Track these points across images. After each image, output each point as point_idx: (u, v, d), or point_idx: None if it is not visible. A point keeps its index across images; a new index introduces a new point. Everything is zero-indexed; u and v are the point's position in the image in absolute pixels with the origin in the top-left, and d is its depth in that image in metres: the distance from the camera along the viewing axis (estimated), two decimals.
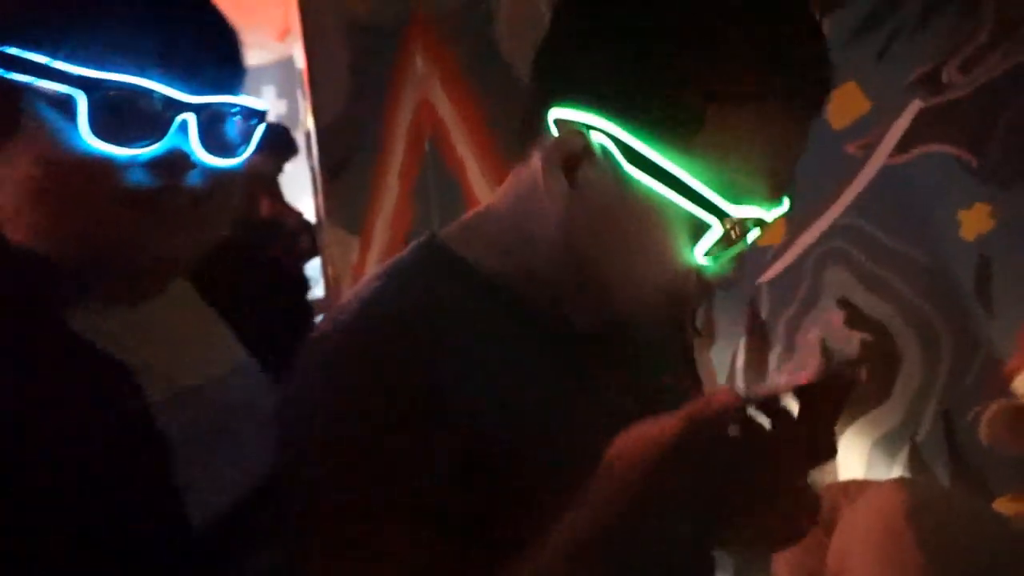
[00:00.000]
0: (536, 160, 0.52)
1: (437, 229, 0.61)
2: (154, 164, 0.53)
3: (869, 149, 1.63)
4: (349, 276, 1.96)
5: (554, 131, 0.50)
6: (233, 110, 0.57)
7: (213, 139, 0.54)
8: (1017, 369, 1.52)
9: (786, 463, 0.45)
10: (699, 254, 0.49)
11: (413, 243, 0.59)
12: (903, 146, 1.61)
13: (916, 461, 1.60)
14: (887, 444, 1.63)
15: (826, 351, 1.69)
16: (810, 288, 1.72)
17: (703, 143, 0.46)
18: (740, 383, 1.74)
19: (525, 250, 0.54)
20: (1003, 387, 1.51)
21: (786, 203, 0.52)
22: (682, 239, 0.48)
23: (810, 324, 1.70)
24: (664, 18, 0.47)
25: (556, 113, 0.49)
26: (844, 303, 1.69)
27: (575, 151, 0.49)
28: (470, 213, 0.60)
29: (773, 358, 1.74)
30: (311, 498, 0.48)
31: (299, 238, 3.28)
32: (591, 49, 0.48)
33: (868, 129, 1.62)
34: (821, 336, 1.70)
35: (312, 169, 2.07)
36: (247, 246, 0.73)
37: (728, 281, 0.51)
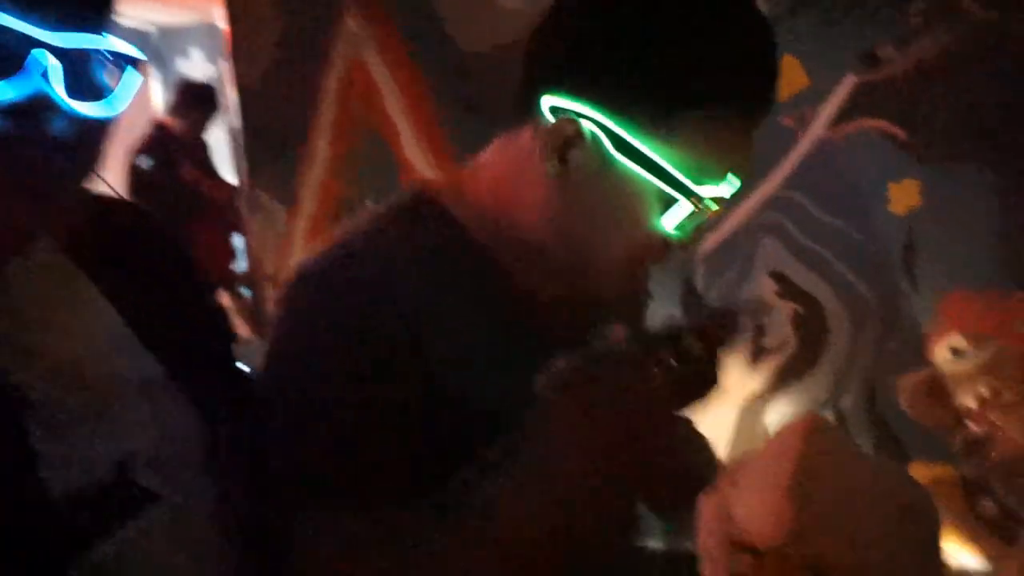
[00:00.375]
0: (527, 138, 0.59)
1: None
2: (9, 109, 0.46)
3: (805, 123, 1.65)
4: (276, 245, 1.88)
5: (548, 116, 0.57)
6: (100, 52, 0.50)
7: (77, 82, 0.48)
8: (936, 340, 1.57)
9: (684, 398, 0.55)
10: (669, 225, 0.58)
11: (407, 190, 0.65)
12: (839, 120, 1.63)
13: (842, 428, 1.65)
14: (815, 412, 1.68)
15: (757, 321, 1.72)
16: (745, 261, 1.74)
17: (678, 135, 0.56)
18: None
19: (512, 216, 0.61)
20: (923, 357, 1.57)
21: (738, 181, 0.60)
22: (655, 212, 0.57)
23: (744, 296, 1.72)
24: (651, 33, 0.56)
25: (553, 101, 0.57)
26: (777, 276, 1.71)
27: (568, 135, 0.57)
28: (457, 173, 0.66)
29: None
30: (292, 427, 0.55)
31: (224, 210, 3.14)
32: (589, 50, 0.57)
33: (806, 103, 1.64)
34: (754, 308, 1.73)
35: (234, 133, 1.96)
36: (131, 212, 0.67)
37: (689, 246, 0.61)
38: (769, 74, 0.59)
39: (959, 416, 1.48)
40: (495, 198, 0.62)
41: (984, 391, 1.44)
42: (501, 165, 0.62)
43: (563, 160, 0.57)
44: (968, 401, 1.45)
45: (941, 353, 1.54)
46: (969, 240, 1.60)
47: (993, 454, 1.39)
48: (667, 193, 0.57)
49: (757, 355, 1.70)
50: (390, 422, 0.54)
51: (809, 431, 0.62)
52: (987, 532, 1.41)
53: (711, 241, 1.76)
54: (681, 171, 0.56)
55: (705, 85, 0.55)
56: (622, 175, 0.56)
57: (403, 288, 0.57)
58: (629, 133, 0.55)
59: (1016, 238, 1.58)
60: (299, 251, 1.83)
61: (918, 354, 1.59)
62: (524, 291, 0.62)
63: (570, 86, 0.56)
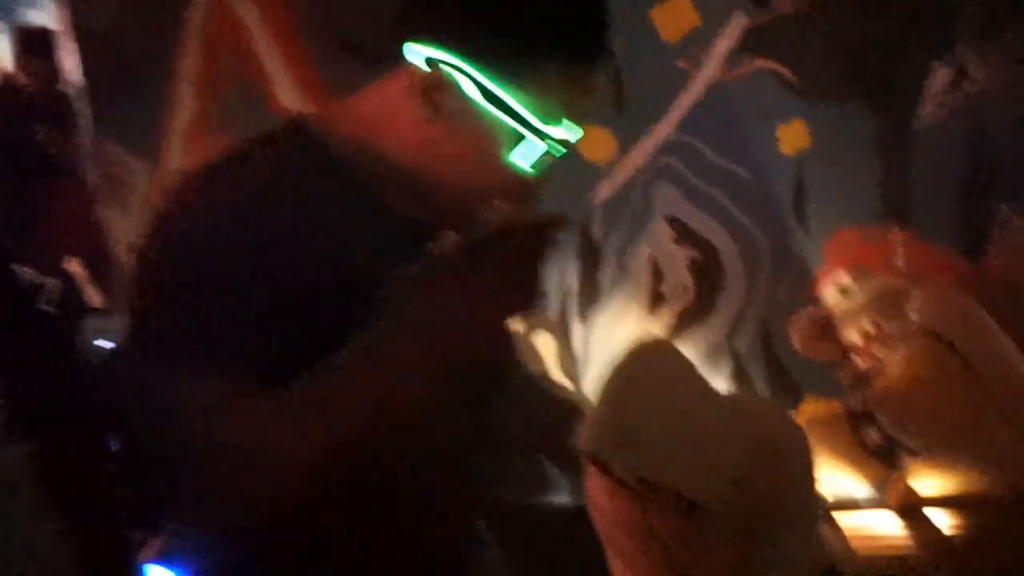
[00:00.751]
0: (400, 82, 0.67)
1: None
2: None
3: (698, 64, 1.62)
4: (135, 210, 1.69)
5: (420, 63, 0.65)
6: None
7: None
8: (823, 278, 1.61)
9: (506, 303, 0.62)
10: (520, 161, 0.66)
11: (284, 120, 0.71)
12: (730, 61, 1.61)
13: (740, 373, 1.68)
14: (712, 358, 1.70)
15: (656, 271, 1.71)
16: (642, 207, 1.72)
17: (525, 82, 0.64)
18: (573, 306, 1.73)
19: (383, 148, 0.68)
20: (812, 296, 1.60)
21: (579, 129, 0.68)
22: (508, 150, 0.65)
23: (641, 243, 1.71)
24: None
25: (422, 50, 0.65)
26: (673, 221, 1.71)
27: (436, 82, 0.64)
28: (327, 107, 0.73)
29: (606, 279, 1.73)
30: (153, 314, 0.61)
31: (86, 175, 2.82)
32: (452, 7, 0.65)
33: (698, 43, 1.61)
34: (652, 255, 1.72)
35: (75, 84, 1.74)
36: None
37: (537, 183, 0.68)
38: (597, 31, 0.67)
39: (846, 352, 1.52)
40: (367, 132, 0.68)
41: (868, 326, 1.49)
42: (375, 104, 0.69)
43: (432, 103, 0.65)
44: (854, 337, 1.50)
45: (828, 291, 1.57)
46: (855, 179, 1.65)
47: (876, 386, 1.44)
48: (520, 133, 0.65)
49: (655, 302, 1.70)
50: (262, 310, 0.60)
51: (647, 349, 0.63)
52: (873, 460, 1.47)
53: (607, 189, 1.73)
54: (531, 113, 0.64)
55: (541, 40, 0.64)
56: (481, 117, 0.64)
57: (274, 198, 0.63)
58: (487, 80, 0.64)
59: (894, 175, 1.63)
60: None
61: (807, 294, 1.63)
62: (392, 209, 0.69)
63: (437, 38, 0.64)
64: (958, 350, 1.33)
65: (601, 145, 1.66)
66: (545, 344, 1.68)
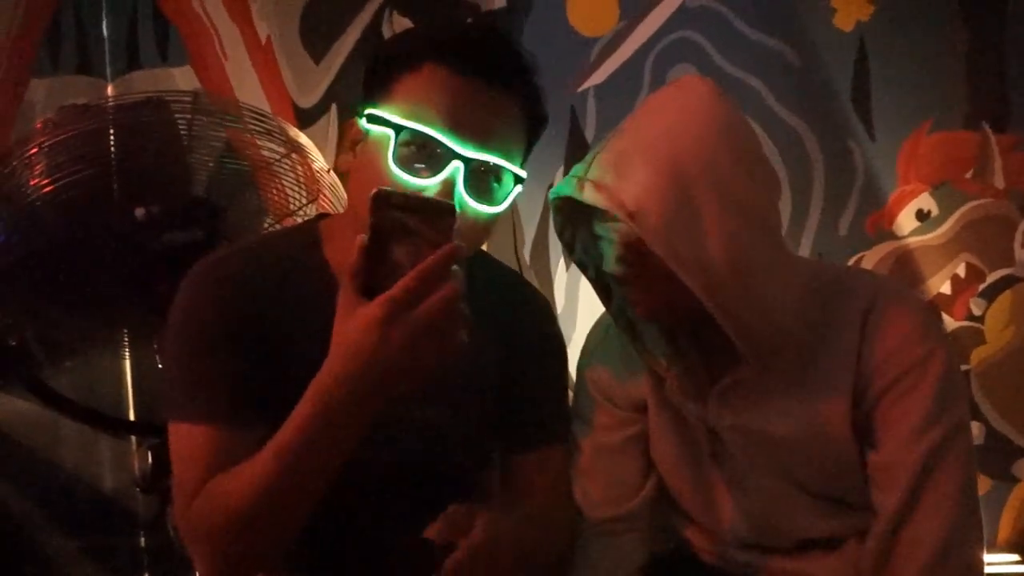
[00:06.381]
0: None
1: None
2: None
3: None
4: None
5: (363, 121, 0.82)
6: None
7: None
8: (898, 201, 1.24)
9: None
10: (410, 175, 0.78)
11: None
12: None
13: None
14: None
15: None
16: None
17: (394, 94, 0.79)
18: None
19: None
20: (886, 226, 1.23)
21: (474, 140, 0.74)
22: (398, 163, 0.77)
23: None
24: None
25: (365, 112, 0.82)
26: None
27: (355, 133, 0.82)
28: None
29: None
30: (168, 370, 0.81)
31: None
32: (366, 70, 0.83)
33: None
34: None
35: None
36: None
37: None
38: (483, 38, 0.76)
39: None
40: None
41: (959, 270, 1.13)
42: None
43: (353, 152, 0.81)
44: (940, 286, 1.14)
45: (905, 219, 1.20)
46: (934, 65, 1.31)
47: (973, 358, 1.10)
48: (407, 145, 0.76)
49: None
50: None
51: None
52: None
53: (604, 68, 1.39)
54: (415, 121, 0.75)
55: (411, 59, 0.77)
56: (377, 141, 0.77)
57: (264, 282, 0.79)
58: (375, 109, 0.78)
59: (988, 61, 1.30)
60: None
61: (880, 222, 1.27)
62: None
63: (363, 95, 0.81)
64: None
65: (598, 10, 1.37)
66: None
